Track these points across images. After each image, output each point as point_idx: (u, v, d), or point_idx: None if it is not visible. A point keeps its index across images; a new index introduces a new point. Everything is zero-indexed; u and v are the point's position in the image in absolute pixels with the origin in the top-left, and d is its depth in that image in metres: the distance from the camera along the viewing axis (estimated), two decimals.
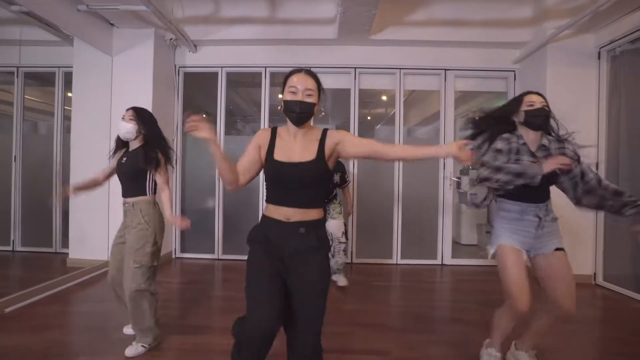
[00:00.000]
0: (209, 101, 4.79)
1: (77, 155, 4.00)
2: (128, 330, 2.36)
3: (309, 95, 1.45)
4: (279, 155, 1.46)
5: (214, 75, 4.67)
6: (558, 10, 3.83)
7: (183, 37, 4.19)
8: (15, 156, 4.49)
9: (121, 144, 2.30)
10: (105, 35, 3.93)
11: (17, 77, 4.52)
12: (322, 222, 1.52)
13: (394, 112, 4.66)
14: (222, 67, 4.63)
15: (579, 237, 3.73)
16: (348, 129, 4.49)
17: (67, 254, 4.05)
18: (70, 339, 2.39)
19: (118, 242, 2.26)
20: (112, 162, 2.33)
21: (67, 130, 4.48)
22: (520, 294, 1.74)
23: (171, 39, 4.28)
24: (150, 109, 2.37)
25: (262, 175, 1.53)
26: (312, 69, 1.61)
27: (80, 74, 4.05)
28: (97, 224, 3.96)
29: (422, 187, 4.58)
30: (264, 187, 1.52)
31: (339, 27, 3.91)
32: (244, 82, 5.32)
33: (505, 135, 1.86)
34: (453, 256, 4.60)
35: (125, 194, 2.23)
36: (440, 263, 4.56)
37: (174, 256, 4.64)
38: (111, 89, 4.03)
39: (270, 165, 1.47)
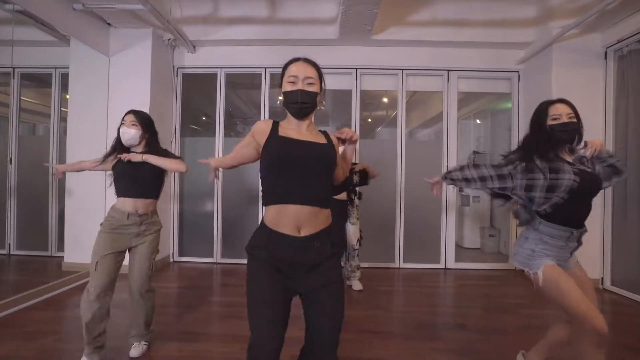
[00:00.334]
0: (208, 103, 4.73)
1: (74, 156, 3.91)
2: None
3: (310, 83, 1.34)
4: (286, 135, 1.36)
5: (213, 76, 4.60)
6: (563, 10, 3.77)
7: (181, 37, 4.12)
8: (10, 158, 4.42)
9: (120, 146, 2.21)
10: (102, 35, 3.87)
11: (14, 78, 4.45)
12: (332, 227, 1.39)
13: (396, 114, 4.59)
14: (221, 67, 4.57)
15: (586, 240, 3.64)
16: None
17: (63, 257, 3.98)
18: (65, 346, 2.30)
19: (110, 252, 2.08)
20: (107, 163, 2.23)
21: (63, 132, 4.41)
22: (593, 312, 1.50)
23: (169, 39, 4.22)
24: (147, 110, 2.33)
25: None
26: None
27: (77, 74, 3.97)
28: (93, 228, 3.85)
29: (424, 190, 4.48)
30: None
31: (340, 27, 3.85)
32: (243, 84, 5.26)
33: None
34: (456, 260, 4.52)
35: (133, 195, 2.15)
36: (444, 267, 4.47)
37: (171, 260, 4.56)
38: (108, 90, 3.96)
39: (275, 144, 1.32)
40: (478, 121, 6.68)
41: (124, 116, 2.18)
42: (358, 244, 3.53)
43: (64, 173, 2.44)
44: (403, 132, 4.53)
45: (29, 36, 4.01)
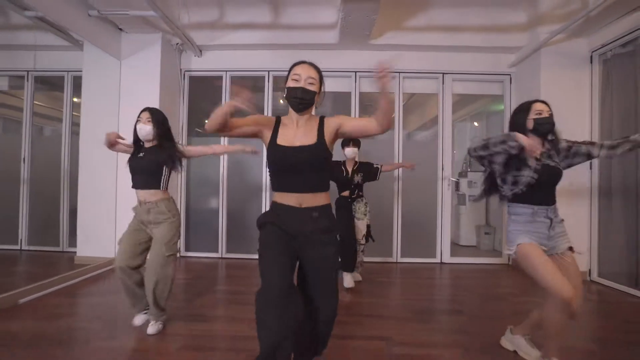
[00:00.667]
0: (213, 104, 4.89)
1: (86, 155, 4.12)
2: (138, 320, 2.43)
3: (311, 83, 1.56)
4: (282, 141, 1.57)
5: (219, 78, 4.81)
6: (551, 16, 3.97)
7: (189, 42, 4.33)
8: (24, 158, 4.61)
9: (137, 140, 2.43)
10: (114, 39, 4.08)
11: (28, 81, 4.66)
12: (330, 206, 1.63)
13: (394, 116, 4.78)
14: (226, 71, 4.77)
15: (574, 234, 3.78)
16: None
17: (74, 253, 4.15)
18: (81, 326, 2.48)
19: (132, 230, 2.39)
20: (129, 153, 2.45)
21: (74, 133, 4.60)
22: (561, 283, 1.68)
23: (177, 43, 4.43)
24: None
25: (265, 172, 1.65)
26: None
27: (90, 76, 4.19)
28: (105, 223, 4.06)
29: (421, 188, 4.68)
30: (268, 178, 1.62)
31: (340, 32, 4.05)
32: (247, 87, 5.42)
33: None
34: (452, 255, 4.69)
35: (140, 186, 2.37)
36: (440, 261, 4.64)
37: (178, 254, 4.72)
38: (119, 92, 4.16)
39: (275, 150, 1.56)
40: (476, 124, 6.86)
41: (140, 113, 2.39)
42: (363, 239, 3.55)
43: (113, 144, 2.39)
44: (400, 134, 4.72)
45: (44, 41, 4.24)
